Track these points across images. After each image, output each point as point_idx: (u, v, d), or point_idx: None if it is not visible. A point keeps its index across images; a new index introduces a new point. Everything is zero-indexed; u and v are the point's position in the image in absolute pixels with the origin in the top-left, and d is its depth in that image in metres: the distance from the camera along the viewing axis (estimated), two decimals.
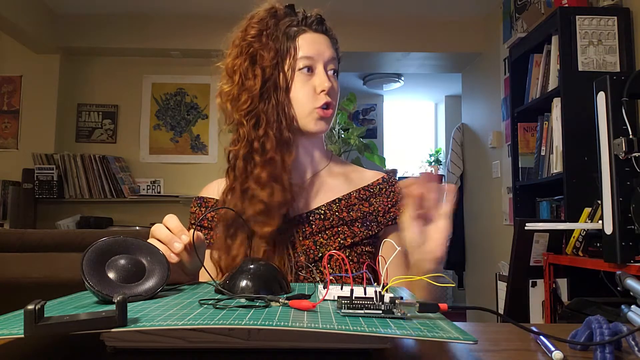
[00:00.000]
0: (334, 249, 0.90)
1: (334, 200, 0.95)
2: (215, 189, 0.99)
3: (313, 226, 0.92)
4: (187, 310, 0.47)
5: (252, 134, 0.90)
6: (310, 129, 0.93)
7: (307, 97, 0.92)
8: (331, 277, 0.57)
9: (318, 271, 0.88)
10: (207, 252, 0.91)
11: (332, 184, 0.98)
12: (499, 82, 3.42)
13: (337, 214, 0.93)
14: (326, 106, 0.92)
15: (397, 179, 1.02)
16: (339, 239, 0.91)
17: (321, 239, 0.91)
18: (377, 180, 1.00)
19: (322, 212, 0.93)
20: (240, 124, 0.91)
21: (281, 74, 0.91)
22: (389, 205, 0.97)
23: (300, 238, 0.91)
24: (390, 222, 0.96)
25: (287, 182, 0.88)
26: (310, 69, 0.93)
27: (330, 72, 0.94)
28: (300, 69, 0.92)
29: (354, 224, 0.93)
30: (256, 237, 0.86)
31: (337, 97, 0.97)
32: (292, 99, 0.92)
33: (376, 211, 0.95)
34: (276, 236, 0.88)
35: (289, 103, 0.92)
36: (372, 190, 0.98)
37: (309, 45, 0.93)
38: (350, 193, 0.96)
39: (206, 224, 0.96)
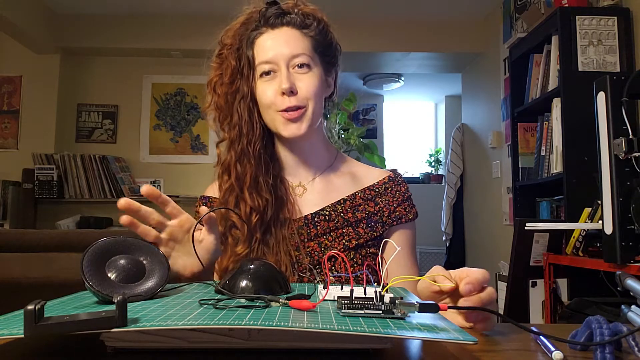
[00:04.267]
0: (338, 251, 0.89)
1: (339, 200, 0.94)
2: (216, 189, 0.99)
3: (318, 228, 0.91)
4: (187, 310, 0.47)
5: (223, 153, 0.93)
6: (282, 133, 0.90)
7: (269, 101, 0.88)
8: (331, 277, 0.57)
9: (322, 274, 0.87)
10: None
11: (337, 184, 0.97)
12: (499, 82, 3.42)
13: (342, 214, 0.92)
14: (294, 108, 0.87)
15: (403, 177, 1.01)
16: (344, 241, 0.90)
17: (325, 241, 0.90)
18: (383, 179, 0.98)
19: (327, 213, 0.92)
20: (219, 140, 0.95)
21: (245, 85, 0.90)
22: (395, 205, 0.95)
23: (305, 240, 0.90)
24: (395, 222, 0.94)
25: (248, 196, 0.89)
26: (271, 72, 0.89)
27: (298, 67, 0.89)
28: (260, 75, 0.90)
29: (359, 224, 0.92)
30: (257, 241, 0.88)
31: (313, 89, 0.89)
32: (260, 107, 0.91)
33: (381, 211, 0.94)
34: (280, 239, 0.88)
35: (258, 112, 0.91)
36: (377, 190, 0.96)
37: (265, 48, 0.89)
38: (355, 193, 0.95)
39: None
